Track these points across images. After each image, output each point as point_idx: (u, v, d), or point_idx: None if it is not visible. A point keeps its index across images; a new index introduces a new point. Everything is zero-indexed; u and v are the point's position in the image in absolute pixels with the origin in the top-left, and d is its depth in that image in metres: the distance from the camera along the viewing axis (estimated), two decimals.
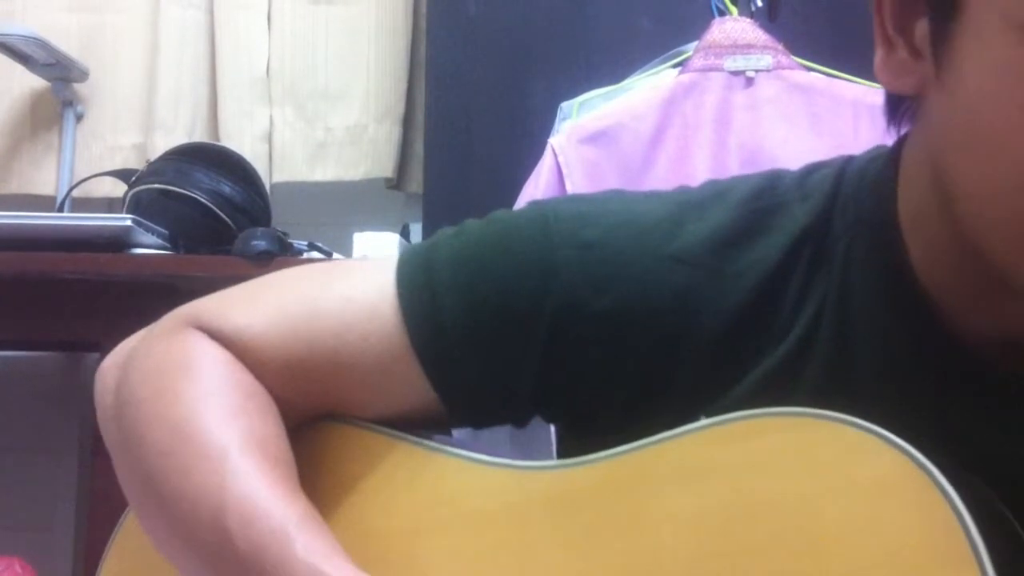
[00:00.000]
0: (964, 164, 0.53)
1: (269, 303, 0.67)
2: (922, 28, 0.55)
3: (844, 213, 0.62)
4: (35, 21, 2.13)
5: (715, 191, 0.65)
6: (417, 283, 0.65)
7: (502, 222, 0.66)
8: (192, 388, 0.63)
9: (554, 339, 0.62)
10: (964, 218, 0.54)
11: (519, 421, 0.68)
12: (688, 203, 0.64)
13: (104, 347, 0.70)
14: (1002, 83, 0.50)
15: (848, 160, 0.65)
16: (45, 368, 2.19)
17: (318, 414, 0.67)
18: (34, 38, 1.97)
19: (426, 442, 0.65)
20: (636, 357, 0.62)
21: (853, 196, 0.62)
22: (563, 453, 0.66)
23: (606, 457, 0.58)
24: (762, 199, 0.64)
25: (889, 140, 0.64)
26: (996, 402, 0.58)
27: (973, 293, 0.57)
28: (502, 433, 0.70)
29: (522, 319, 0.63)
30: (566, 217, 0.64)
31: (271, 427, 0.63)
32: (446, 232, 0.68)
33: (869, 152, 0.65)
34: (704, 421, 0.56)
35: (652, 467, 0.56)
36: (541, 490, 0.60)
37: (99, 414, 0.69)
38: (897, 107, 0.60)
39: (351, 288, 0.66)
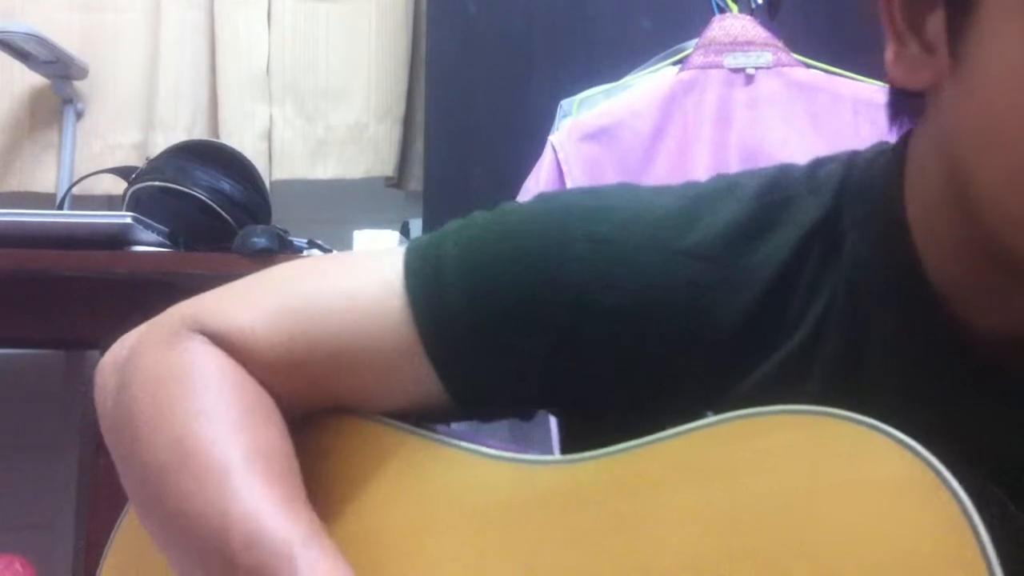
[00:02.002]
0: (984, 159, 0.52)
1: (271, 301, 0.66)
2: (935, 22, 0.54)
3: (852, 208, 0.61)
4: (36, 19, 2.13)
5: (725, 185, 0.65)
6: (426, 276, 0.64)
7: (512, 214, 0.65)
8: (192, 402, 0.62)
9: (565, 334, 0.62)
10: (983, 213, 0.53)
11: (525, 415, 0.68)
12: (699, 197, 0.64)
13: (104, 345, 0.70)
14: (1022, 74, 0.49)
15: (854, 155, 0.65)
16: (45, 366, 2.19)
17: (324, 407, 0.66)
18: (34, 35, 1.97)
19: (433, 435, 0.64)
20: (647, 352, 0.61)
21: (861, 191, 0.62)
22: (567, 446, 0.66)
23: (610, 454, 0.58)
24: (773, 193, 0.63)
25: (891, 137, 0.63)
26: (1006, 401, 0.57)
27: (986, 289, 0.57)
28: (501, 426, 0.69)
29: (533, 314, 0.62)
30: (577, 211, 0.64)
31: (275, 438, 0.62)
32: (454, 224, 0.67)
33: (873, 148, 0.64)
34: (709, 419, 0.55)
35: (656, 465, 0.56)
36: (545, 486, 0.59)
37: (100, 415, 0.68)
38: (901, 104, 0.59)
39: (355, 281, 0.65)
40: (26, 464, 2.17)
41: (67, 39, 2.13)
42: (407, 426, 0.65)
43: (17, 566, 1.79)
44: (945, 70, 0.54)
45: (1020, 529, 0.50)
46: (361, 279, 0.65)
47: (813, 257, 0.61)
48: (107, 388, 0.67)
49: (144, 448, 0.62)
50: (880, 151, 0.64)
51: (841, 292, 0.60)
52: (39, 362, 2.20)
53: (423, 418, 0.66)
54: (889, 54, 0.56)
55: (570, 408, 0.66)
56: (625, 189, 0.67)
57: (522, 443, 0.68)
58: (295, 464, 0.62)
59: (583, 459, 0.59)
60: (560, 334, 0.62)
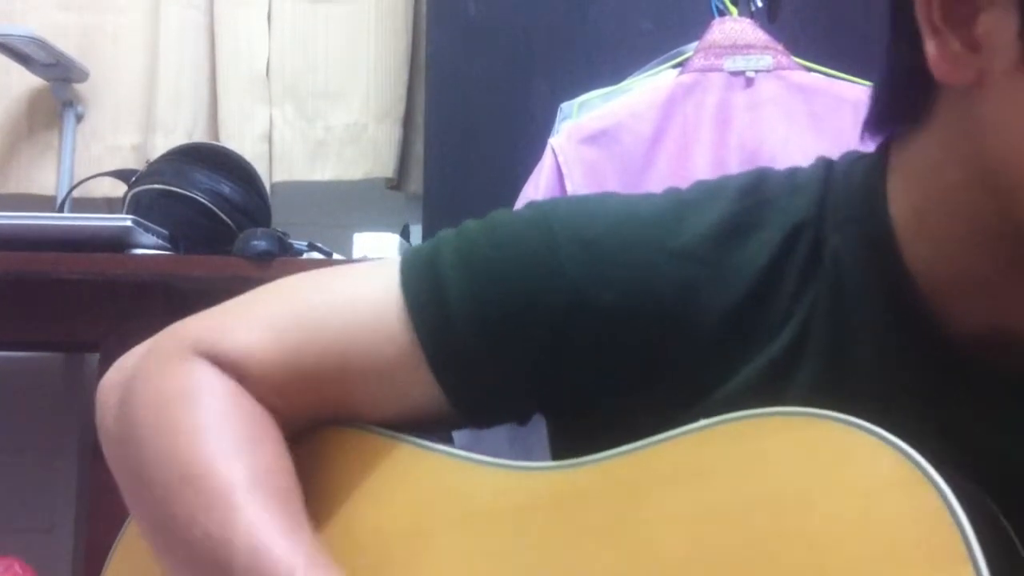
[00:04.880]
0: None
1: (269, 318, 0.66)
2: (987, 22, 0.53)
3: (834, 212, 0.62)
4: (35, 21, 2.13)
5: (707, 188, 0.66)
6: (423, 285, 0.65)
7: (504, 222, 0.67)
8: (193, 423, 0.63)
9: (560, 335, 0.63)
10: None
11: (523, 418, 0.69)
12: (684, 201, 0.65)
13: (104, 347, 0.70)
14: None
15: (830, 162, 0.66)
16: (45, 368, 2.19)
17: (324, 421, 0.67)
18: (33, 38, 1.97)
19: (427, 443, 0.65)
20: (638, 350, 0.62)
21: (843, 196, 0.63)
22: (557, 451, 0.67)
23: (606, 458, 0.59)
24: (754, 194, 0.64)
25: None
26: (990, 400, 0.58)
27: (980, 289, 0.57)
28: (502, 434, 0.70)
29: (529, 317, 0.63)
30: (567, 215, 0.65)
31: (275, 457, 0.63)
32: (447, 233, 0.68)
33: (848, 155, 0.66)
34: (703, 422, 0.56)
35: (651, 468, 0.57)
36: (542, 491, 0.60)
37: (101, 435, 0.68)
38: (900, 109, 0.59)
39: (353, 294, 0.66)
40: (26, 467, 2.17)
41: (67, 42, 2.13)
42: (400, 435, 0.66)
43: (16, 568, 1.79)
44: (994, 69, 0.53)
45: (998, 526, 0.51)
46: (359, 290, 0.66)
47: (796, 259, 0.62)
48: (108, 406, 0.68)
49: (147, 470, 0.62)
50: (856, 158, 0.65)
51: (824, 294, 0.61)
52: (39, 365, 2.20)
53: (422, 428, 0.66)
54: (933, 49, 0.55)
55: (564, 409, 0.67)
56: (611, 196, 0.68)
57: (521, 451, 0.68)
58: (296, 484, 0.62)
59: (578, 464, 0.60)
60: (557, 335, 0.63)
